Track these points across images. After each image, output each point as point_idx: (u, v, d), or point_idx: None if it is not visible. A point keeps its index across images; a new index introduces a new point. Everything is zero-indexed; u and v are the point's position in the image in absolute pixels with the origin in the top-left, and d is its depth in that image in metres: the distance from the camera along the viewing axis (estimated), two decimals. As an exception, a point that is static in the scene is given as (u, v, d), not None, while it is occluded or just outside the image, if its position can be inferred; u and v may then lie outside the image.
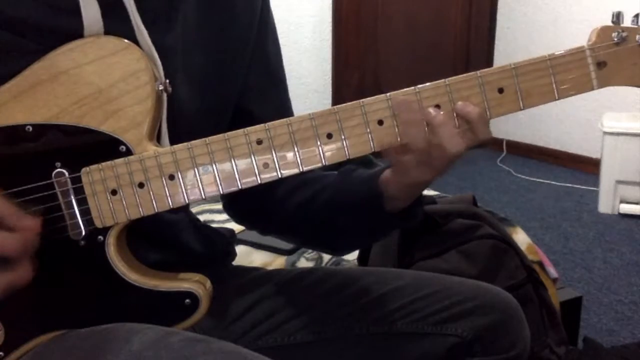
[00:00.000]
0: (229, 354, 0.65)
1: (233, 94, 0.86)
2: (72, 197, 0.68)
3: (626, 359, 1.61)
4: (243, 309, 0.91)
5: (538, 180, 3.67)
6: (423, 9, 4.14)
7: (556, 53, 0.70)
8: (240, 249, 1.37)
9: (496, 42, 4.31)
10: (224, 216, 1.15)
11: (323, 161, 0.70)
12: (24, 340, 0.70)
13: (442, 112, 0.69)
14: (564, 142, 3.93)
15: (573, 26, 3.72)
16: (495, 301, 0.89)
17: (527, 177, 3.73)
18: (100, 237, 0.69)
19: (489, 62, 4.28)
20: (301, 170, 0.70)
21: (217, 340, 0.67)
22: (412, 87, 0.70)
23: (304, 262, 1.41)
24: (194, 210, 1.35)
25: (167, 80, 0.70)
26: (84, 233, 0.69)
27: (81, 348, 0.68)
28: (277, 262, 1.42)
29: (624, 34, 0.70)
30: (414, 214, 0.80)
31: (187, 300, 0.71)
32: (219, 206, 1.08)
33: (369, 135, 0.70)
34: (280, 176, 0.69)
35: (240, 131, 0.68)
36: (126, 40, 0.69)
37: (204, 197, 0.70)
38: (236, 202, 0.94)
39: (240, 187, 0.69)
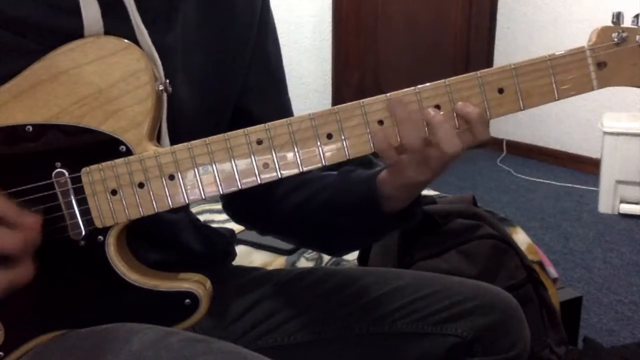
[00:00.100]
0: (229, 354, 0.65)
1: (233, 93, 0.86)
2: (72, 197, 0.68)
3: (626, 359, 1.61)
4: (243, 309, 0.91)
5: (538, 180, 3.67)
6: (423, 9, 4.14)
7: (556, 53, 0.70)
8: (240, 249, 1.37)
9: (496, 42, 4.31)
10: (224, 216, 1.15)
11: (323, 161, 0.70)
12: (24, 340, 0.70)
13: (441, 112, 0.69)
14: (564, 142, 3.93)
15: (573, 26, 3.72)
16: (495, 301, 0.89)
17: (527, 177, 3.73)
18: (100, 237, 0.69)
19: (489, 62, 4.28)
20: (301, 170, 0.70)
21: (217, 340, 0.67)
22: (412, 87, 0.69)
23: (304, 262, 1.41)
24: (194, 210, 1.35)
25: (167, 80, 0.70)
26: (84, 233, 0.69)
27: (81, 348, 0.68)
28: (277, 262, 1.42)
29: (624, 35, 0.70)
30: (413, 215, 0.80)
31: (187, 300, 0.71)
32: (219, 206, 1.07)
33: (369, 136, 0.70)
34: (280, 176, 0.69)
35: (240, 131, 0.68)
36: (126, 40, 0.68)
37: (204, 197, 0.69)
38: (235, 202, 0.94)
39: (240, 187, 0.69)
